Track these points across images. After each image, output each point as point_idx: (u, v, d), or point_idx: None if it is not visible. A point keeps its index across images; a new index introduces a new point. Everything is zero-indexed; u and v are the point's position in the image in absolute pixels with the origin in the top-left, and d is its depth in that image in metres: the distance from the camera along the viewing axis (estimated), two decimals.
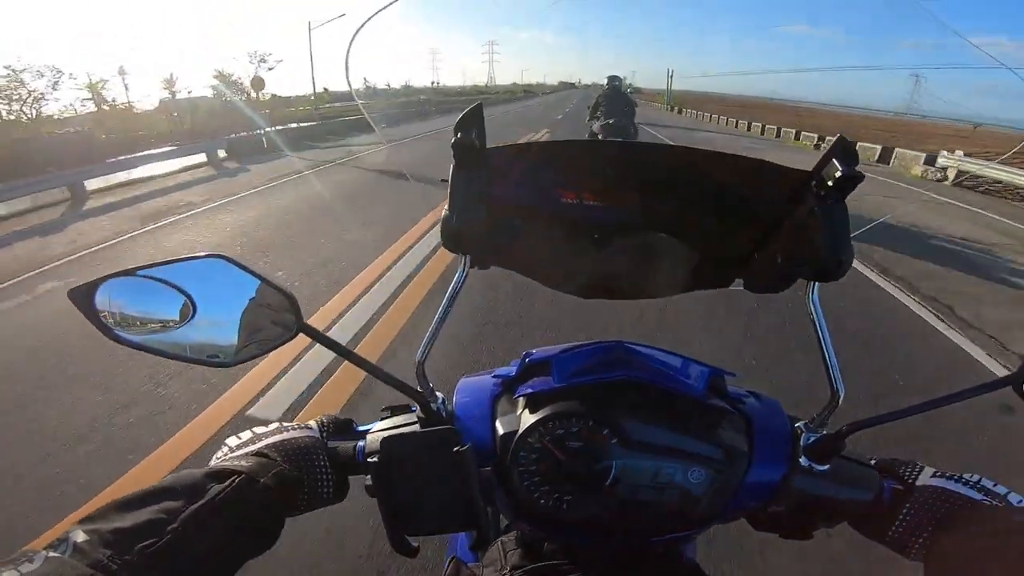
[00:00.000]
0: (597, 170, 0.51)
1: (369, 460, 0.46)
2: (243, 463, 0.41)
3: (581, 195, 0.52)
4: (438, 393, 0.50)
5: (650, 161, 0.52)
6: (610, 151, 0.50)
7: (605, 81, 7.77)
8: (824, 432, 0.47)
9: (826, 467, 0.46)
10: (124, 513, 0.35)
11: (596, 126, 7.25)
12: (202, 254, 0.40)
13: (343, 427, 0.51)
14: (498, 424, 0.49)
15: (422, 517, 0.46)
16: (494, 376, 0.53)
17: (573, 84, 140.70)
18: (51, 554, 0.31)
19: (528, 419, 0.46)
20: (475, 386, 0.52)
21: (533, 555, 0.52)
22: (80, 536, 0.32)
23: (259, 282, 0.42)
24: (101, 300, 0.40)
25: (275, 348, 0.44)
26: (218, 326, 0.42)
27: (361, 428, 0.52)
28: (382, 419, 0.52)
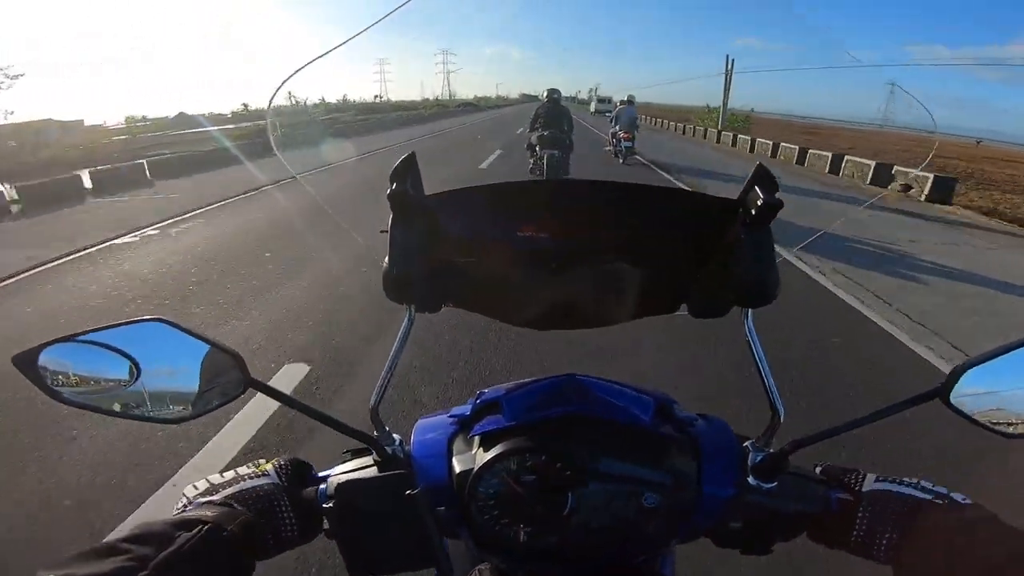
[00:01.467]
0: (539, 208, 0.53)
1: (324, 506, 0.47)
2: (207, 513, 0.42)
3: (527, 231, 0.53)
4: (395, 436, 0.52)
5: (588, 197, 0.54)
6: (549, 189, 0.53)
7: (544, 94, 8.06)
8: (769, 451, 0.49)
9: (773, 484, 0.48)
10: (93, 561, 0.35)
11: (534, 137, 7.60)
12: (144, 318, 0.40)
13: (301, 470, 0.52)
14: (455, 463, 0.50)
15: (381, 558, 0.47)
16: (450, 416, 0.54)
17: (536, 97, 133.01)
18: None
19: (483, 457, 0.48)
20: (431, 426, 0.54)
21: None
22: None
23: (203, 344, 0.42)
24: (45, 364, 0.40)
25: (224, 404, 0.44)
26: (165, 386, 0.42)
27: (321, 474, 0.53)
28: (342, 462, 0.53)
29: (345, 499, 0.47)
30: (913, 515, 0.44)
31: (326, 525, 0.48)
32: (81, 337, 0.40)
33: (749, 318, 0.51)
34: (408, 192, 0.47)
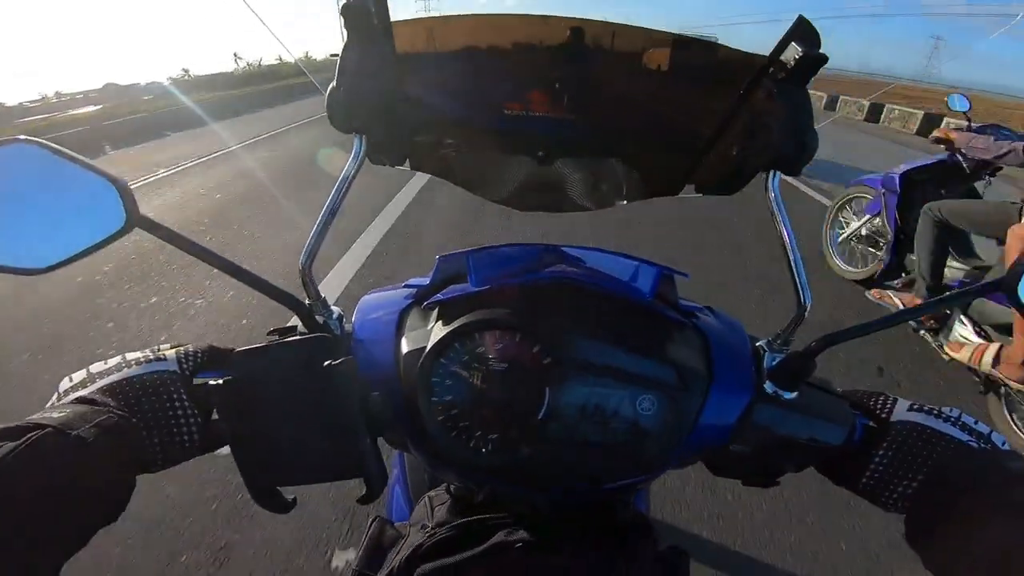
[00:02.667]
0: (533, 67, 0.45)
1: (211, 383, 0.36)
2: (54, 414, 0.33)
3: (514, 108, 0.45)
4: (334, 308, 0.42)
5: (597, 44, 0.45)
6: (553, 27, 0.43)
7: None
8: (789, 351, 0.42)
9: (794, 394, 0.40)
10: None
11: None
12: (13, 138, 0.33)
13: (217, 357, 0.42)
14: (403, 341, 0.40)
15: (288, 461, 0.36)
16: (406, 286, 0.45)
17: None
18: None
19: (439, 332, 0.38)
20: (380, 301, 0.44)
21: (462, 509, 0.44)
22: None
23: (81, 169, 0.34)
24: None
25: (103, 246, 0.36)
26: (29, 226, 0.34)
27: None
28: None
29: (243, 371, 0.36)
30: (945, 462, 0.37)
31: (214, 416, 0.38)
32: None
33: (774, 184, 0.44)
34: (367, 5, 0.38)
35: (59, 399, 0.38)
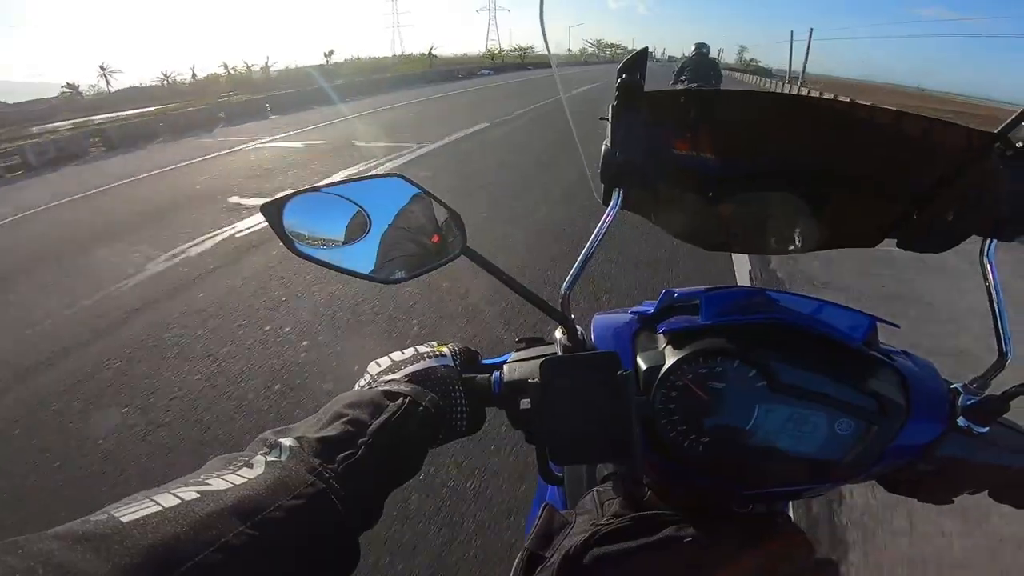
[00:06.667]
0: (750, 121, 0.51)
1: (527, 382, 0.45)
2: (405, 388, 0.43)
3: (728, 146, 0.51)
4: (578, 327, 0.50)
5: (816, 114, 0.51)
6: (769, 102, 0.49)
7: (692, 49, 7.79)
8: (986, 394, 0.45)
9: (985, 429, 0.44)
10: (319, 426, 0.38)
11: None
12: (382, 173, 0.43)
13: (472, 358, 0.52)
14: (640, 359, 0.48)
15: (578, 445, 0.45)
16: (631, 312, 0.52)
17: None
18: (270, 459, 0.34)
19: (673, 355, 0.46)
20: (612, 321, 0.52)
21: (633, 504, 0.51)
22: (290, 442, 0.35)
23: (431, 201, 0.43)
24: (288, 215, 0.43)
25: (439, 267, 0.45)
26: (388, 243, 0.44)
27: (488, 361, 0.53)
28: (518, 350, 0.52)
29: (552, 375, 0.44)
30: None
31: (526, 404, 0.46)
32: (325, 189, 0.43)
33: (991, 250, 0.48)
34: (638, 82, 0.47)
35: (373, 380, 0.48)
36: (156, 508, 0.26)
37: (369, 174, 0.43)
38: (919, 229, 0.52)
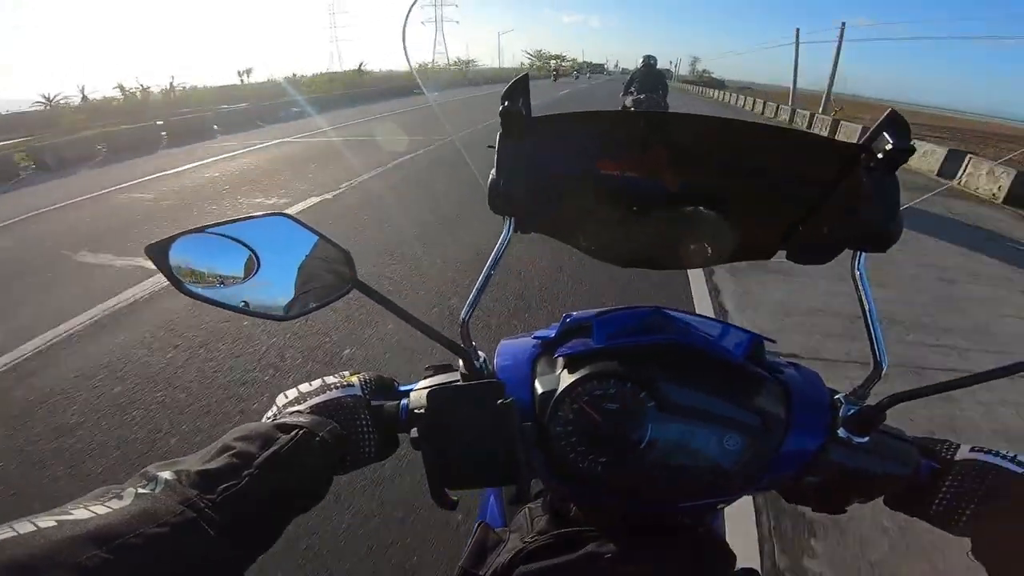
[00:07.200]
0: (638, 141, 0.51)
1: (416, 412, 0.47)
2: (302, 419, 0.44)
3: (623, 166, 0.52)
4: (480, 352, 0.52)
5: (691, 132, 0.52)
6: (652, 121, 0.50)
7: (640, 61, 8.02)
8: (864, 404, 0.47)
9: (865, 439, 0.46)
10: (204, 459, 0.38)
11: (628, 100, 7.39)
12: (266, 213, 0.44)
13: (385, 386, 0.53)
14: (537, 384, 0.50)
15: (464, 471, 0.46)
16: (534, 337, 0.54)
17: (601, 66, 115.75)
18: (140, 491, 0.33)
19: (567, 379, 0.48)
20: (515, 347, 0.54)
21: (559, 521, 0.53)
22: (167, 475, 0.35)
23: (317, 239, 0.46)
24: (174, 255, 0.43)
25: (329, 303, 0.47)
26: (277, 281, 0.45)
27: (403, 388, 0.54)
28: (425, 378, 0.53)
29: (437, 405, 0.46)
30: (1002, 488, 0.43)
31: (413, 434, 0.47)
32: (210, 229, 0.44)
33: (861, 262, 0.49)
34: (519, 110, 0.48)
35: (279, 411, 0.49)
36: (10, 534, 0.26)
37: (254, 214, 0.45)
38: (803, 242, 0.54)
